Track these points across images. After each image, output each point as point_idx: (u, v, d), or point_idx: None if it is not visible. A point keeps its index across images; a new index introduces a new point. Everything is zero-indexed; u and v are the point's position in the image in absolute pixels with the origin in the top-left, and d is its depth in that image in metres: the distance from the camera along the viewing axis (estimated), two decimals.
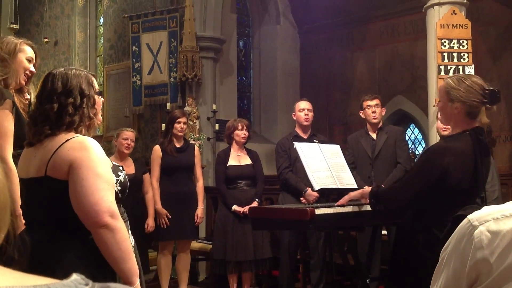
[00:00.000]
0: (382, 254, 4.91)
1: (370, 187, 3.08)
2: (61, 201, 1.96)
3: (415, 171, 2.65)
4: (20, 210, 2.16)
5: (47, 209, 2.01)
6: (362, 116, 5.08)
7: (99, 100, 2.19)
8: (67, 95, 2.05)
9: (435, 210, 2.53)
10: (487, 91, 2.49)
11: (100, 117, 2.22)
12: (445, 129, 4.35)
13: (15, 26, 9.61)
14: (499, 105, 8.71)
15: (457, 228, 1.15)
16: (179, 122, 5.17)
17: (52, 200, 2.01)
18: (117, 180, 2.25)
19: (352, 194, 3.20)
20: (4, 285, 0.58)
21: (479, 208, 1.17)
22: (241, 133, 5.15)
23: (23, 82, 2.89)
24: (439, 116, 2.76)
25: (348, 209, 3.38)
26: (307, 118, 5.08)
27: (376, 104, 4.98)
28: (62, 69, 2.15)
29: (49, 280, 0.60)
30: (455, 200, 2.48)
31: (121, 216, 2.15)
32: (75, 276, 0.62)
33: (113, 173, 2.13)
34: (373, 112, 4.96)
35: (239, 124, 5.17)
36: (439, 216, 2.50)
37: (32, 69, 2.92)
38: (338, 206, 3.37)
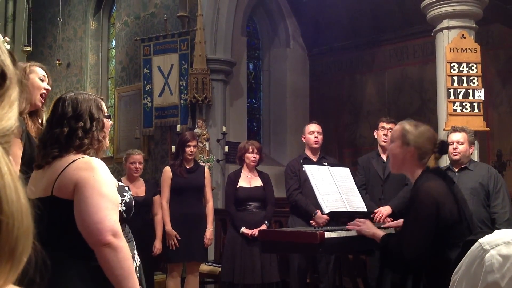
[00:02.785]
0: (392, 278, 4.86)
1: (382, 232, 2.96)
2: (66, 221, 1.99)
3: (415, 219, 2.56)
4: None
5: (51, 229, 2.03)
6: (375, 135, 5.17)
7: (108, 123, 2.24)
8: (77, 119, 2.10)
9: (446, 250, 2.48)
10: (438, 142, 2.65)
11: (107, 139, 2.26)
12: (455, 153, 4.35)
13: (28, 48, 9.74)
14: (509, 129, 8.60)
15: (468, 252, 1.15)
16: (189, 146, 5.19)
17: (57, 219, 2.04)
18: (122, 200, 2.28)
19: (364, 231, 3.07)
20: None
21: (490, 232, 1.17)
22: (251, 156, 5.15)
23: (39, 104, 2.82)
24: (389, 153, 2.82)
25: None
26: (317, 141, 5.10)
27: (390, 129, 4.99)
28: (72, 93, 2.20)
29: None
30: (454, 234, 2.47)
31: (126, 236, 2.18)
32: None
33: (119, 193, 2.16)
34: (384, 135, 5.02)
35: (250, 147, 5.17)
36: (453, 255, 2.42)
37: (47, 86, 2.86)
38: (347, 230, 3.34)
